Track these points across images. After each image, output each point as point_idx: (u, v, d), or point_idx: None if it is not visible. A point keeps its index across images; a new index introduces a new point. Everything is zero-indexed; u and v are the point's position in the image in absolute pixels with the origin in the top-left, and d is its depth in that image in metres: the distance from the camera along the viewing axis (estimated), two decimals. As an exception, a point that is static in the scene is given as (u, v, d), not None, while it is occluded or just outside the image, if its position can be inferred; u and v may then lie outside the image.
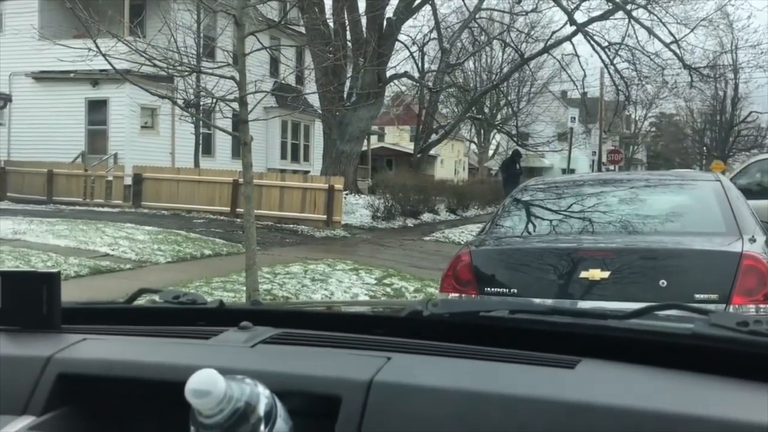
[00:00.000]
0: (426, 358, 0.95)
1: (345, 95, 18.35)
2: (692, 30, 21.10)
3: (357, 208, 17.54)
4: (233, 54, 11.04)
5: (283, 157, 23.97)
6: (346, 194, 16.97)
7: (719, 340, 0.96)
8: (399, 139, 36.97)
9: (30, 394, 0.93)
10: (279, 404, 0.83)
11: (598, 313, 1.18)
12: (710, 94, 39.81)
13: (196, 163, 18.49)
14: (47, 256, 9.21)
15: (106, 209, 16.14)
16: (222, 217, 15.44)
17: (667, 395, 0.86)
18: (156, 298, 1.27)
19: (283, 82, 16.08)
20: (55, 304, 1.10)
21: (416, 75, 23.11)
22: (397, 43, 20.37)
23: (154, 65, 6.79)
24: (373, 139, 31.72)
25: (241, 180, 15.09)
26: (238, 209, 15.38)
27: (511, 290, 3.93)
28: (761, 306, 3.50)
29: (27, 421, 0.89)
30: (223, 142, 21.21)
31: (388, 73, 19.98)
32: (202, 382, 0.76)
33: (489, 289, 4.02)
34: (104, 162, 18.15)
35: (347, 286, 8.67)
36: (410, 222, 17.83)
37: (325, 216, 15.23)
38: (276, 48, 13.98)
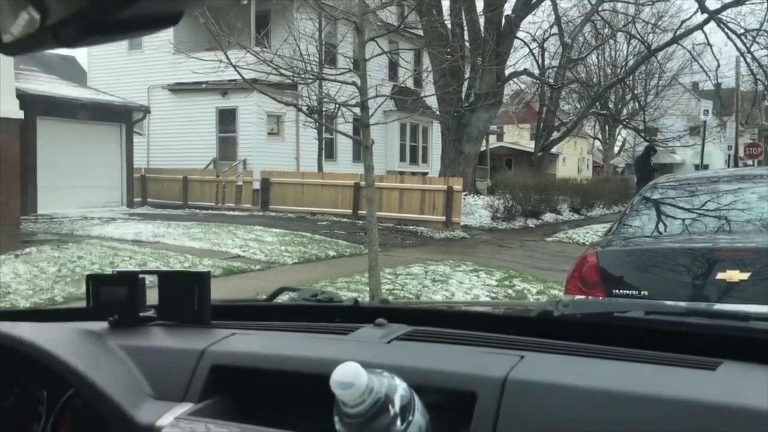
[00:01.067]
0: (560, 357, 0.95)
1: (463, 96, 18.30)
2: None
3: (476, 209, 17.45)
4: (353, 60, 11.31)
5: (402, 159, 24.24)
6: (465, 195, 16.92)
7: None
8: (518, 137, 36.39)
9: (188, 383, 1.01)
10: (416, 398, 0.87)
11: (739, 315, 1.13)
12: None
13: (320, 167, 19.06)
14: (184, 257, 9.81)
15: (236, 213, 16.97)
16: (344, 219, 15.83)
17: None
18: (295, 296, 1.35)
19: (402, 85, 16.26)
20: (206, 302, 1.19)
21: (536, 72, 22.69)
22: (516, 40, 20.08)
23: (281, 74, 7.09)
24: (492, 138, 31.40)
25: (362, 183, 15.46)
26: (359, 211, 15.71)
27: (641, 292, 3.79)
28: None
29: (186, 407, 0.97)
30: (344, 146, 21.74)
31: (507, 72, 19.73)
32: (346, 374, 0.81)
33: (617, 290, 3.89)
34: (234, 168, 19.08)
35: (468, 287, 8.65)
36: (531, 222, 17.52)
37: (444, 217, 15.26)
38: (395, 52, 14.20)
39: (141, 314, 1.20)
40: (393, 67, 20.39)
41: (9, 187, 9.85)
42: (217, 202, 18.23)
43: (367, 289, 7.20)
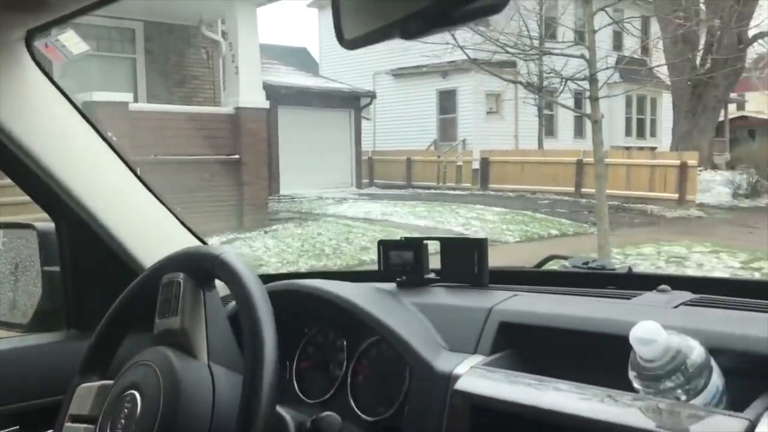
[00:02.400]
0: None
1: (698, 63, 16.88)
2: None
3: (713, 186, 16.08)
4: (575, 32, 10.92)
5: (628, 133, 22.95)
6: (700, 170, 15.65)
7: None
8: (764, 106, 32.66)
9: (478, 337, 1.11)
10: (712, 359, 0.88)
11: None
12: None
13: (540, 144, 18.75)
14: (411, 234, 10.22)
15: (456, 192, 17.28)
16: (566, 198, 15.44)
17: None
18: (566, 263, 1.40)
19: (635, 56, 15.42)
20: (484, 266, 1.28)
21: (786, 31, 20.19)
22: (762, -3, 18.03)
23: (507, 52, 7.10)
24: (731, 107, 28.57)
25: (585, 159, 14.93)
26: (582, 189, 15.24)
27: None
28: None
29: (479, 358, 1.07)
30: (564, 123, 21.13)
31: (751, 33, 17.81)
32: (647, 331, 0.85)
33: None
34: (454, 148, 19.41)
35: (707, 269, 8.05)
36: (781, 200, 15.77)
37: (676, 195, 14.28)
38: (623, 21, 13.48)
39: (425, 276, 1.33)
40: (617, 36, 19.36)
41: (258, 171, 10.96)
42: (438, 182, 18.69)
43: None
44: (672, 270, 7.96)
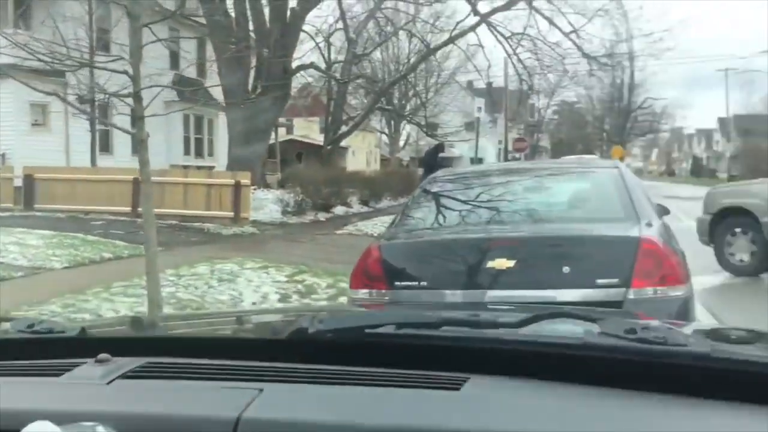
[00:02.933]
0: (303, 386, 0.85)
1: (249, 87, 17.96)
2: (590, 20, 21.90)
3: (266, 204, 17.21)
4: (128, 47, 10.53)
5: (187, 152, 23.23)
6: (254, 189, 16.62)
7: (608, 349, 0.92)
8: (308, 131, 36.61)
9: None
10: None
11: (490, 323, 1.14)
12: (608, 81, 41.80)
13: (93, 162, 17.65)
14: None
15: (-6, 213, 15.14)
16: (123, 218, 14.75)
17: (555, 414, 0.82)
18: (8, 326, 1.10)
19: (184, 75, 15.56)
20: None
21: (323, 66, 22.92)
22: (302, 33, 20.09)
23: (39, 59, 6.36)
24: (282, 131, 31.28)
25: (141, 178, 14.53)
26: (139, 209, 14.75)
27: (421, 283, 3.90)
28: (659, 288, 3.61)
29: None
30: (122, 139, 20.29)
31: (294, 64, 19.69)
32: None
33: (399, 283, 3.97)
34: (-8, 163, 17.04)
35: (257, 285, 8.45)
36: (322, 216, 17.68)
37: (232, 213, 14.85)
38: (173, 39, 13.47)
39: None
40: (174, 56, 19.44)
41: None
42: (-28, 202, 16.13)
43: (146, 293, 6.72)
44: (224, 288, 8.13)
